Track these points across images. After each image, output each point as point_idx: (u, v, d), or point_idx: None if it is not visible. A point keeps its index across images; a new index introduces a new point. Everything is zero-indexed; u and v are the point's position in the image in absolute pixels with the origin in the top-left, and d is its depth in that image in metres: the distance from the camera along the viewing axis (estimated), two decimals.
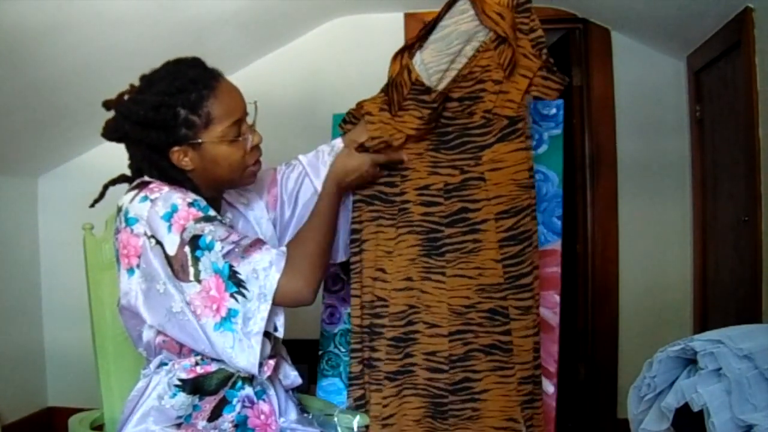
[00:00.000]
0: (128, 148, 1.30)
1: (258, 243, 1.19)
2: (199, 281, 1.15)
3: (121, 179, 1.32)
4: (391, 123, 1.56)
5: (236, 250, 1.15)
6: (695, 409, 1.31)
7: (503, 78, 1.58)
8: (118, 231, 1.22)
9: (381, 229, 1.60)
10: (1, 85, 2.11)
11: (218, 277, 1.14)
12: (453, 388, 1.62)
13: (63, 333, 2.87)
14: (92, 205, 1.33)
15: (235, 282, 1.14)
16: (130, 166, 1.31)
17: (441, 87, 1.57)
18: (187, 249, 1.15)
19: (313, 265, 1.22)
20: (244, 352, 1.15)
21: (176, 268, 1.16)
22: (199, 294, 1.15)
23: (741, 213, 2.22)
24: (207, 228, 1.16)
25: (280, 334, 1.22)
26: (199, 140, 1.23)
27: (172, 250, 1.16)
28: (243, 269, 1.15)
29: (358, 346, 1.61)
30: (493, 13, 1.55)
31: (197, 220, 1.17)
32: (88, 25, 2.04)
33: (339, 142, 1.54)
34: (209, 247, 1.15)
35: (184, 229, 1.16)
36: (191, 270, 1.15)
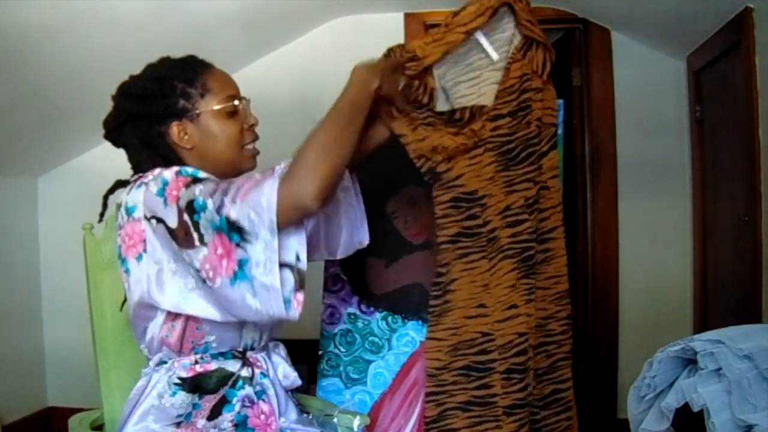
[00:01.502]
0: (128, 140, 1.30)
1: (248, 181, 1.15)
2: (204, 244, 1.13)
3: (118, 185, 1.33)
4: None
5: (226, 199, 1.12)
6: (695, 409, 1.31)
7: (542, 84, 1.57)
8: (120, 227, 1.23)
9: (473, 265, 1.55)
10: (1, 85, 2.11)
11: (219, 234, 1.12)
12: (544, 402, 1.59)
13: (63, 333, 2.87)
14: (100, 220, 1.35)
15: (236, 231, 1.12)
16: (132, 167, 1.31)
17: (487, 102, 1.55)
18: (186, 217, 1.14)
19: (312, 167, 1.13)
20: (264, 297, 1.11)
21: (180, 238, 1.14)
22: (208, 257, 1.13)
23: (741, 213, 2.22)
24: (197, 189, 1.15)
25: (303, 264, 1.15)
26: (197, 111, 1.27)
27: (173, 223, 1.15)
28: (239, 215, 1.11)
29: (437, 389, 1.54)
30: (524, 21, 1.54)
31: (187, 186, 1.16)
32: (88, 25, 2.04)
33: None
34: (204, 208, 1.14)
35: (178, 199, 1.16)
36: (195, 235, 1.13)
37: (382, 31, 2.85)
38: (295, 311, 1.14)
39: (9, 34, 1.91)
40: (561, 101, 1.97)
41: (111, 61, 2.25)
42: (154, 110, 1.26)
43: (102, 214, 1.34)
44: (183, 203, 1.15)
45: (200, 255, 1.13)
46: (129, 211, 1.20)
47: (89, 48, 2.16)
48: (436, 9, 2.78)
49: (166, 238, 1.16)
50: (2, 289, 2.71)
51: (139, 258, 1.20)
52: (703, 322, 2.58)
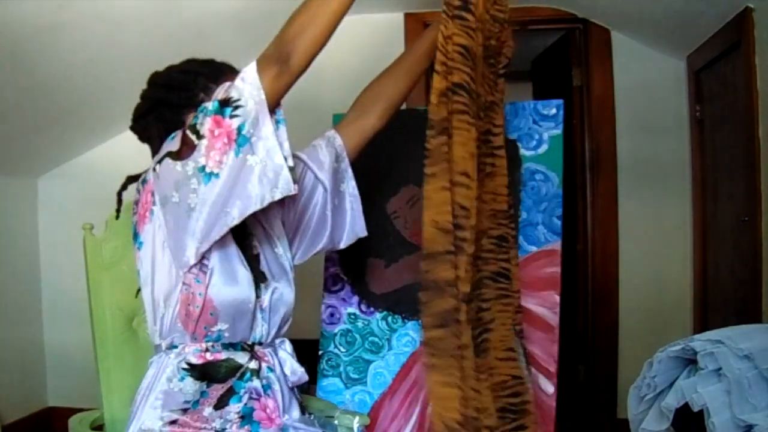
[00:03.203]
0: (152, 131, 1.35)
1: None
2: (202, 136, 1.16)
3: (129, 181, 1.37)
4: None
5: (220, 90, 1.19)
6: (695, 409, 1.31)
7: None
8: (136, 204, 1.29)
9: (507, 307, 1.62)
10: (1, 85, 2.11)
11: (214, 116, 1.16)
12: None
13: (63, 333, 2.87)
14: (117, 216, 1.39)
15: (226, 104, 1.16)
16: (154, 157, 1.35)
17: None
18: (188, 131, 1.20)
19: (286, 40, 1.19)
20: (261, 150, 1.15)
21: (183, 152, 1.19)
22: (209, 144, 1.16)
23: (741, 213, 2.22)
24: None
25: (290, 162, 1.19)
26: None
27: (176, 146, 1.21)
28: (228, 92, 1.17)
29: None
30: None
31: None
32: (88, 25, 2.04)
33: (333, 133, 1.54)
34: (200, 111, 1.19)
35: (185, 129, 1.22)
36: (193, 137, 1.18)
37: (382, 31, 2.85)
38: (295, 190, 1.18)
39: (9, 35, 1.91)
40: (561, 101, 1.97)
41: (111, 62, 2.25)
42: (176, 99, 1.33)
43: (118, 210, 1.38)
44: (187, 127, 1.21)
45: (202, 149, 1.16)
46: (144, 181, 1.27)
47: (89, 48, 2.16)
48: (436, 9, 2.77)
49: (168, 168, 1.20)
50: (2, 290, 2.71)
51: (152, 214, 1.24)
52: (703, 322, 2.58)
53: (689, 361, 1.43)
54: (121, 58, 2.22)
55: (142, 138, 1.38)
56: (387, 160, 2.01)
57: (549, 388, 1.76)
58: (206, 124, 1.16)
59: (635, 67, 2.79)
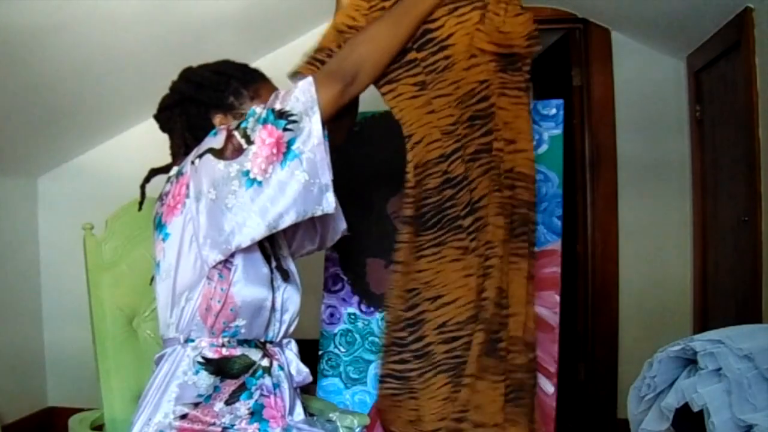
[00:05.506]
0: (174, 123, 1.35)
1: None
2: (252, 142, 1.18)
3: (152, 174, 1.37)
4: None
5: (274, 99, 1.21)
6: (695, 409, 1.31)
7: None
8: (166, 195, 1.27)
9: None
10: (0, 85, 2.11)
11: (266, 125, 1.18)
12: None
13: (63, 333, 2.87)
14: (140, 209, 1.39)
15: (281, 116, 1.18)
16: (171, 154, 1.35)
17: None
18: (234, 132, 1.20)
19: (349, 61, 1.22)
20: (312, 166, 1.17)
21: (228, 152, 1.19)
22: (257, 152, 1.17)
23: (741, 213, 2.22)
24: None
25: (329, 176, 1.21)
26: (242, 111, 1.32)
27: (219, 144, 1.20)
28: (284, 104, 1.19)
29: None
30: None
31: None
32: (88, 25, 2.04)
33: None
34: (251, 115, 1.20)
35: (228, 126, 1.23)
36: (242, 140, 1.19)
37: None
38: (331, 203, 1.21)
39: (8, 35, 1.91)
40: (561, 101, 1.97)
41: (111, 61, 2.25)
42: (205, 98, 1.33)
43: (141, 203, 1.39)
44: (232, 127, 1.22)
45: (249, 154, 1.18)
46: (180, 172, 1.26)
47: (89, 48, 2.16)
48: None
49: (209, 165, 1.20)
50: (2, 289, 2.71)
51: (184, 206, 1.23)
52: (703, 322, 2.58)
53: (689, 361, 1.43)
54: (122, 59, 2.22)
55: (164, 129, 1.38)
56: (386, 161, 2.01)
57: (549, 388, 1.76)
58: (257, 131, 1.18)
59: (635, 67, 2.79)
